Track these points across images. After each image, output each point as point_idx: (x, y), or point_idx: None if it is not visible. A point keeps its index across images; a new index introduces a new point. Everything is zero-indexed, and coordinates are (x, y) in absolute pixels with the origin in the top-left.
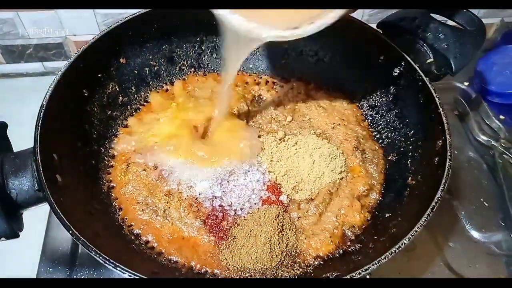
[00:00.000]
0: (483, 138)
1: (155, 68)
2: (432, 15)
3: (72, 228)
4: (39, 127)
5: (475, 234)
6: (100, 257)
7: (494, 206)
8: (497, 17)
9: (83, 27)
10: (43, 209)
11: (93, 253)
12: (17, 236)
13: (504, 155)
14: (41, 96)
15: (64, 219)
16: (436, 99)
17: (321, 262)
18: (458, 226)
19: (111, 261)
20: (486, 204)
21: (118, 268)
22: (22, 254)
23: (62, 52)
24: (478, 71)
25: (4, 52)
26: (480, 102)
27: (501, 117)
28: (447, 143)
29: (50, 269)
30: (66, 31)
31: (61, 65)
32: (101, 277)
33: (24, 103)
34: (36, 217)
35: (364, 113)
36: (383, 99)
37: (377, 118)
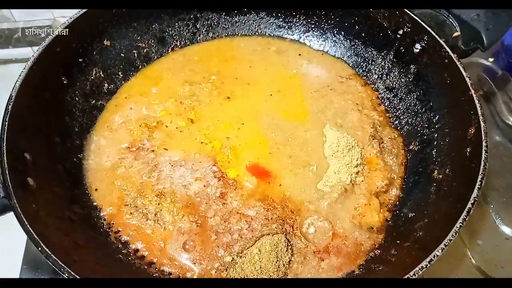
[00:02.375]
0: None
1: (144, 50)
2: None
3: (42, 244)
4: (6, 123)
5: (506, 230)
6: (76, 279)
7: None
8: None
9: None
10: None
11: (66, 274)
12: None
13: None
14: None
15: (33, 233)
16: (466, 78)
17: None
18: (487, 221)
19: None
20: None
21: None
22: (1, 263)
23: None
24: (505, 44)
25: None
26: (508, 80)
27: None
28: (482, 131)
29: (31, 274)
30: (54, 13)
31: None
32: None
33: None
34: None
35: (380, 96)
36: (402, 80)
37: (395, 102)
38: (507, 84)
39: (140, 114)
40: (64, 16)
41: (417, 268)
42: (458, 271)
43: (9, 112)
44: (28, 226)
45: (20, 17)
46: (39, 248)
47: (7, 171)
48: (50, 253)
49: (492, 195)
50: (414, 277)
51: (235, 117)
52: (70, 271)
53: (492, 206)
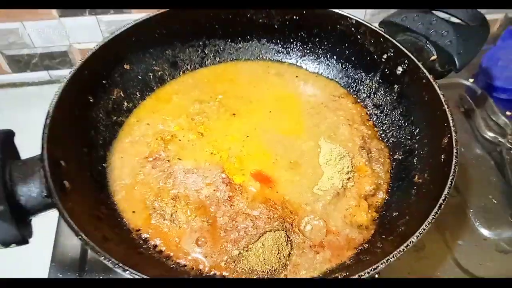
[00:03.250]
0: (489, 134)
1: (159, 73)
2: (434, 12)
3: (81, 233)
4: (46, 134)
5: (484, 231)
6: (110, 261)
7: (503, 203)
8: (500, 12)
9: (87, 35)
10: (52, 216)
11: (102, 257)
12: (26, 242)
13: (511, 151)
14: (47, 104)
15: (73, 224)
16: (441, 96)
17: None
18: (467, 224)
19: (121, 264)
20: (495, 201)
21: (127, 272)
22: (31, 261)
23: (67, 60)
24: (483, 67)
25: (10, 62)
26: (486, 98)
27: (508, 113)
28: (453, 140)
29: (60, 275)
30: (70, 40)
31: (66, 73)
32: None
33: (30, 112)
34: (46, 224)
35: (369, 112)
36: (388, 98)
37: (382, 117)
38: (485, 102)
39: (156, 129)
40: (79, 43)
41: (395, 252)
42: (442, 268)
43: (47, 126)
44: (69, 219)
45: (38, 44)
46: (79, 237)
47: (49, 174)
48: (88, 240)
49: (471, 201)
50: (392, 259)
51: (241, 131)
52: (107, 255)
53: (471, 211)
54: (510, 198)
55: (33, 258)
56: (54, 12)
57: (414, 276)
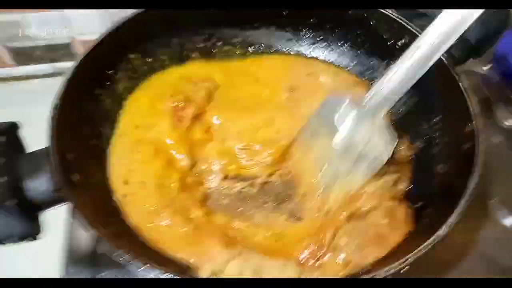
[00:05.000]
0: (508, 122)
1: (166, 62)
2: None
3: (94, 228)
4: (53, 126)
5: (507, 221)
6: (125, 257)
7: None
8: None
9: (91, 26)
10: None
11: (117, 253)
12: (34, 238)
13: None
14: (51, 97)
15: (86, 219)
16: (460, 83)
17: None
18: (489, 214)
19: (137, 260)
20: None
21: (145, 267)
22: (40, 259)
23: (70, 53)
24: (497, 55)
25: (13, 54)
26: (502, 87)
27: None
28: (475, 128)
29: (72, 271)
30: (73, 31)
31: (69, 65)
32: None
33: (35, 105)
34: (53, 220)
35: None
36: None
37: (397, 106)
38: (502, 90)
39: None
40: (83, 34)
41: (424, 245)
42: (468, 257)
43: (54, 117)
44: (80, 212)
45: (42, 36)
46: (92, 232)
47: (57, 168)
48: (102, 234)
49: (493, 190)
50: (420, 253)
51: None
52: (121, 250)
53: (493, 200)
54: None
55: (42, 257)
56: None
57: (440, 266)
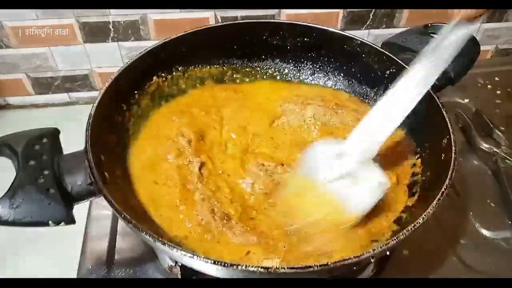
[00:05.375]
0: (485, 146)
1: (183, 86)
2: (432, 34)
3: (128, 217)
4: (89, 131)
5: (484, 231)
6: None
7: (500, 206)
8: (491, 44)
9: (108, 60)
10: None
11: (150, 237)
12: (74, 222)
13: (506, 161)
14: (67, 124)
15: (115, 205)
16: (439, 104)
17: None
18: (468, 225)
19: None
20: (493, 205)
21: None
22: (62, 252)
23: (87, 83)
24: None
25: (34, 84)
26: (481, 115)
27: (501, 127)
28: (452, 140)
29: (90, 267)
30: (92, 64)
31: (85, 95)
32: (137, 274)
33: None
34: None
35: None
36: None
37: None
38: (480, 118)
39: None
40: (100, 67)
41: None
42: (446, 265)
43: (90, 124)
44: (113, 202)
45: (62, 67)
46: (126, 221)
47: (93, 164)
48: (136, 223)
49: (471, 204)
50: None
51: None
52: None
53: (471, 213)
54: (507, 202)
55: (63, 250)
56: (79, 38)
57: (419, 270)
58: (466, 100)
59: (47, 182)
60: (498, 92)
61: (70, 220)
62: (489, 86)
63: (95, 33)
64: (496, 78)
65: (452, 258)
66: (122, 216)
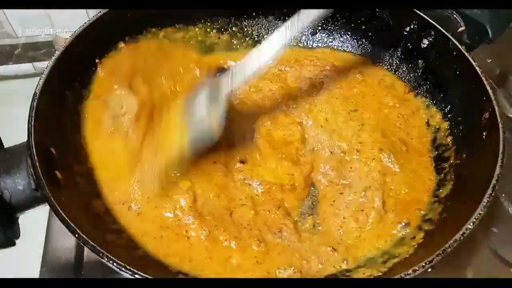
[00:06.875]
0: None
1: None
2: None
3: (78, 231)
4: (33, 118)
5: None
6: (114, 264)
7: None
8: None
9: (74, 23)
10: (42, 213)
11: (105, 259)
12: (13, 244)
13: None
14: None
15: (68, 221)
16: (477, 68)
17: None
18: (500, 210)
19: (128, 268)
20: None
21: (136, 276)
22: (19, 265)
23: (53, 51)
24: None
25: None
26: (506, 77)
27: None
28: (497, 115)
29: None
30: (56, 29)
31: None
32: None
33: (14, 106)
34: (35, 223)
35: None
36: (411, 75)
37: None
38: (505, 81)
39: None
40: (66, 31)
41: (451, 241)
42: (480, 256)
43: (34, 108)
44: (63, 215)
45: (22, 34)
46: (76, 236)
47: (37, 163)
48: (87, 239)
49: (503, 184)
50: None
51: None
52: (110, 256)
53: (503, 195)
54: None
55: (20, 262)
56: None
57: (452, 267)
58: (489, 61)
59: None
60: None
61: (7, 242)
62: None
63: None
64: None
65: (486, 250)
66: (76, 236)
